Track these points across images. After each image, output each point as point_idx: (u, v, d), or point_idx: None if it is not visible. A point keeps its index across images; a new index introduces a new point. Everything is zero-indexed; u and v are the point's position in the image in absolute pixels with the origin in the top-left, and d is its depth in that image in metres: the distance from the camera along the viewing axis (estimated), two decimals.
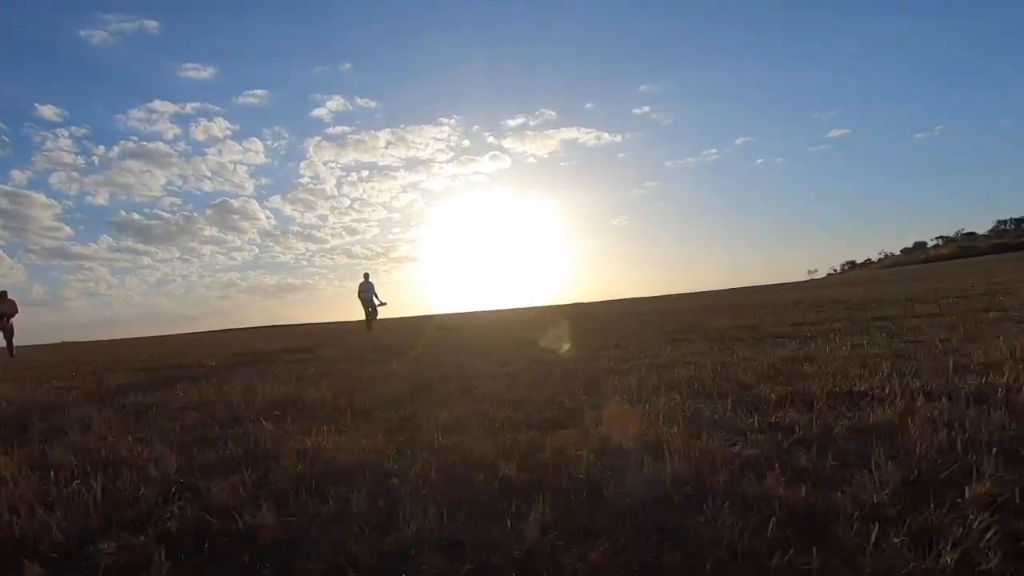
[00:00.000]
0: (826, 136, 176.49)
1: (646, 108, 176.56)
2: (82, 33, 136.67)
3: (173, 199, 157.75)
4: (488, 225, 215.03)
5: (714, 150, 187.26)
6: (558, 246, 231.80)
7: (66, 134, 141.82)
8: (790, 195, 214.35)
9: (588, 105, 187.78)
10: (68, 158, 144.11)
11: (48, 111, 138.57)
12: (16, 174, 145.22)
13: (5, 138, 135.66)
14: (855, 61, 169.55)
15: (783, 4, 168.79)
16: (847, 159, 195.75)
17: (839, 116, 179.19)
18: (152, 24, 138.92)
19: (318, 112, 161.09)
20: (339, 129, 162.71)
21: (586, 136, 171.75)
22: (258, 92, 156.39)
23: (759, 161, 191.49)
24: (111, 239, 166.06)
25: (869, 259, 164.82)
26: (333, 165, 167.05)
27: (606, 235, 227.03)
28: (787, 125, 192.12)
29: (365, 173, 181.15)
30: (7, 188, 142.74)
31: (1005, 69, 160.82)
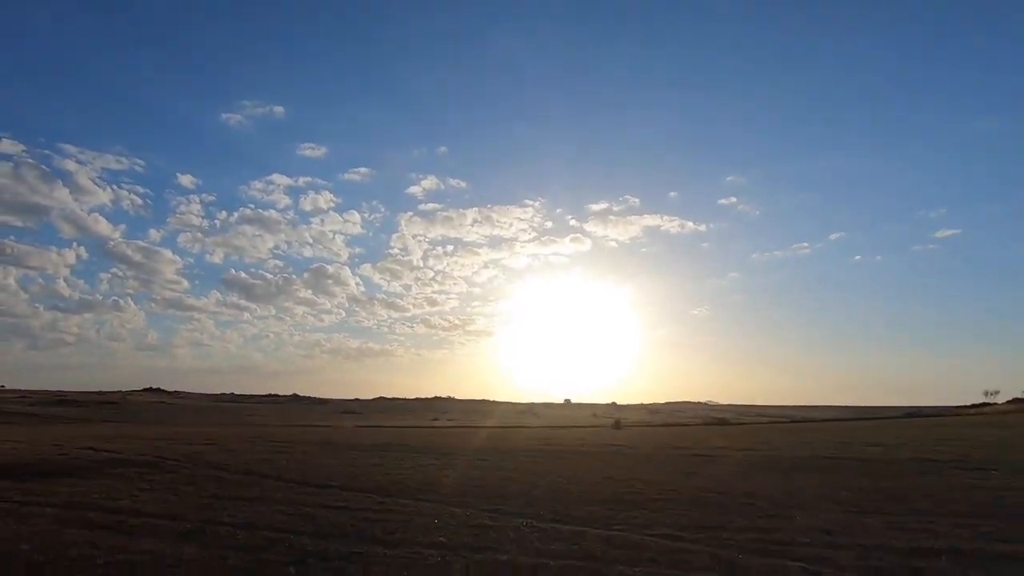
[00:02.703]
0: (934, 235, 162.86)
1: (732, 199, 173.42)
2: (223, 116, 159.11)
3: (276, 262, 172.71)
4: (566, 305, 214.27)
5: (805, 244, 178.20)
6: (632, 331, 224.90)
7: (197, 200, 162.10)
8: (894, 296, 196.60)
9: (672, 193, 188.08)
10: (196, 220, 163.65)
11: (186, 179, 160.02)
12: (152, 232, 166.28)
13: (149, 201, 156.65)
14: (962, 157, 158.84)
15: (864, 94, 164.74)
16: (959, 261, 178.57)
17: (947, 216, 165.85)
18: (279, 109, 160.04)
19: (413, 189, 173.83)
20: (430, 206, 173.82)
21: (669, 223, 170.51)
22: (362, 170, 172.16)
23: (857, 258, 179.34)
24: (220, 294, 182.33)
25: None
26: (421, 238, 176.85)
27: (683, 325, 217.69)
28: (887, 222, 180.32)
29: (450, 247, 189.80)
30: (143, 244, 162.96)
31: None
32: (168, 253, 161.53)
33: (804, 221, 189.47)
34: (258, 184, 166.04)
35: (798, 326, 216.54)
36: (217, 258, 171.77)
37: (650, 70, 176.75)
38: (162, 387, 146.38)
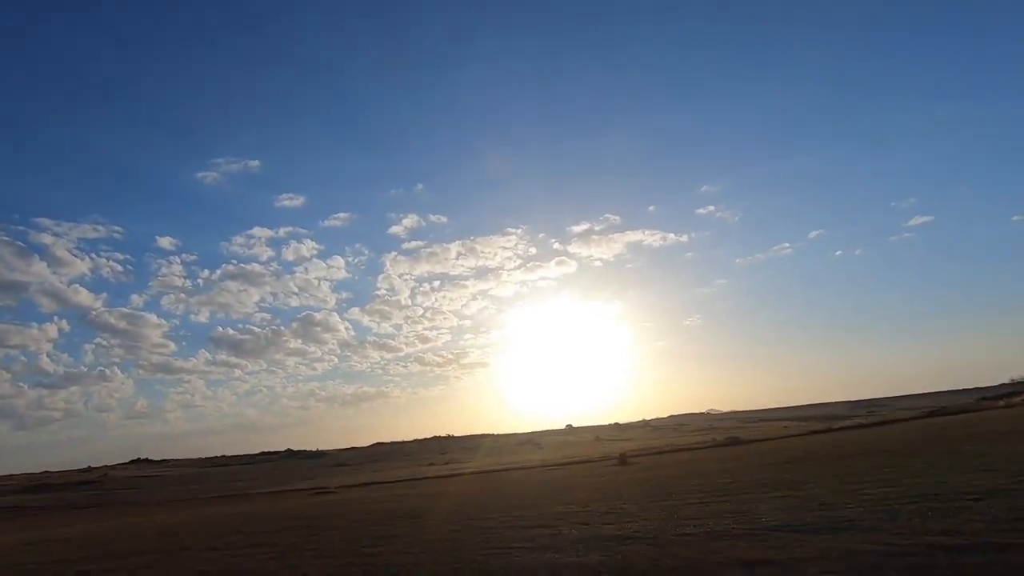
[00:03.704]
0: (908, 224, 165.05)
1: (710, 207, 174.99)
2: (198, 175, 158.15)
3: (264, 315, 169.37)
4: (557, 328, 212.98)
5: (786, 244, 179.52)
6: (626, 348, 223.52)
7: (178, 261, 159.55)
8: (878, 287, 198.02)
9: (651, 208, 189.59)
10: (178, 281, 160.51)
11: (166, 242, 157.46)
12: (135, 297, 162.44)
13: (129, 266, 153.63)
14: (928, 144, 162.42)
15: (827, 92, 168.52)
16: (934, 247, 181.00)
17: (919, 203, 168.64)
18: (254, 163, 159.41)
19: (394, 229, 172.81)
20: (413, 244, 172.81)
21: (651, 237, 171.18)
22: (342, 215, 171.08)
23: (837, 253, 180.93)
24: (208, 353, 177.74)
25: None
26: (407, 277, 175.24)
27: (676, 336, 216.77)
28: (863, 215, 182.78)
29: (437, 283, 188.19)
30: (126, 310, 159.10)
31: None
32: (153, 317, 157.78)
33: (782, 222, 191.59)
34: (239, 239, 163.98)
35: (788, 326, 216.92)
36: (203, 317, 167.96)
37: (617, 90, 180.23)
38: (150, 456, 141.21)
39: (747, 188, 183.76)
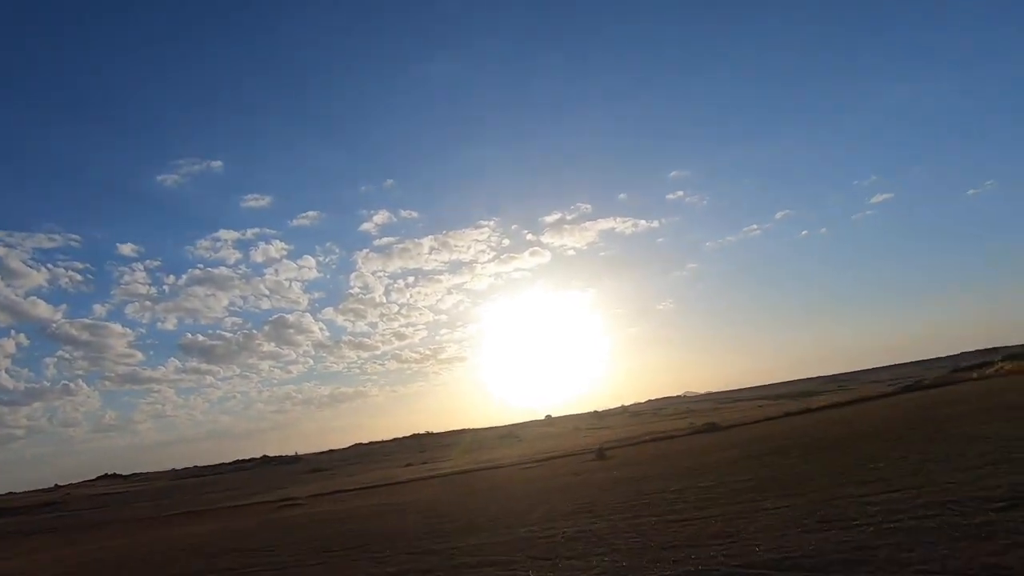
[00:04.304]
0: (870, 201, 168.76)
1: (679, 192, 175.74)
2: (158, 178, 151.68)
3: (234, 319, 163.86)
4: (533, 319, 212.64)
5: (754, 226, 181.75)
6: (602, 335, 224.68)
7: (141, 268, 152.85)
8: (844, 264, 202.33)
9: (622, 195, 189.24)
10: (143, 289, 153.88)
11: (127, 248, 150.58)
12: (97, 307, 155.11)
13: (90, 276, 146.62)
14: (886, 125, 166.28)
15: (789, 75, 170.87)
16: (894, 223, 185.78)
17: (879, 182, 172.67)
18: (217, 164, 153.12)
19: (365, 226, 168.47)
20: (385, 240, 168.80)
21: (623, 225, 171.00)
22: (310, 214, 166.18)
23: (803, 233, 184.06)
24: (178, 361, 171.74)
25: None
26: (381, 274, 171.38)
27: (651, 321, 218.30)
28: (826, 195, 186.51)
29: (411, 279, 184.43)
30: (89, 321, 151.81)
31: None
32: (117, 327, 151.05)
33: (750, 204, 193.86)
34: (204, 242, 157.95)
35: (759, 305, 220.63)
36: (170, 324, 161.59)
37: (584, 79, 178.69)
38: (120, 471, 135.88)
39: (715, 173, 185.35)
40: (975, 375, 37.34)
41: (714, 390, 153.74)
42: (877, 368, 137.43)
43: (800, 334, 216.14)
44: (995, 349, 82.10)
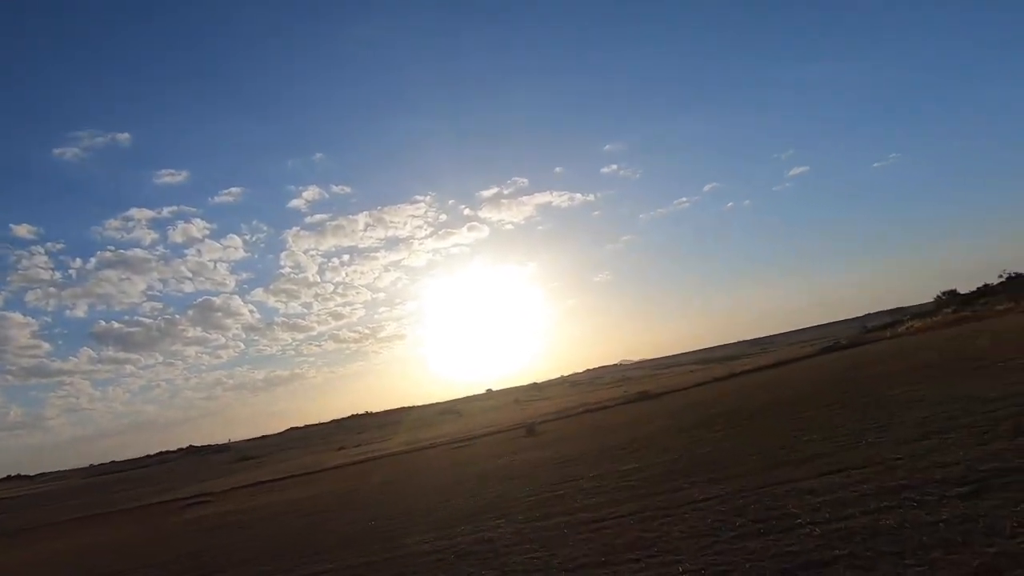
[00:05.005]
0: (788, 174, 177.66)
1: (614, 166, 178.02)
2: (55, 151, 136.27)
3: (153, 304, 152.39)
4: (473, 294, 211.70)
5: (684, 199, 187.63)
6: (541, 308, 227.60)
7: (41, 251, 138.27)
8: (766, 234, 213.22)
9: (558, 169, 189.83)
10: (44, 274, 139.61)
11: (23, 230, 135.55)
12: None
13: None
14: (802, 101, 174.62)
15: (715, 53, 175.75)
16: (810, 194, 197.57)
17: (796, 155, 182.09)
18: (124, 136, 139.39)
19: (295, 203, 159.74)
20: (317, 217, 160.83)
21: (559, 199, 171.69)
22: (233, 190, 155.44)
23: (729, 204, 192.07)
24: (92, 351, 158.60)
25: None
26: (314, 253, 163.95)
27: (588, 293, 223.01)
28: (749, 168, 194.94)
29: (346, 257, 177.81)
30: None
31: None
32: (17, 316, 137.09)
33: (680, 177, 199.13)
34: (114, 222, 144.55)
35: (689, 274, 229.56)
36: (80, 311, 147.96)
37: (517, 51, 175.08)
38: (26, 472, 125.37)
39: (648, 146, 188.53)
40: (888, 334, 39.02)
41: (648, 357, 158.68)
42: (795, 331, 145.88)
43: (727, 301, 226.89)
44: (901, 309, 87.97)
